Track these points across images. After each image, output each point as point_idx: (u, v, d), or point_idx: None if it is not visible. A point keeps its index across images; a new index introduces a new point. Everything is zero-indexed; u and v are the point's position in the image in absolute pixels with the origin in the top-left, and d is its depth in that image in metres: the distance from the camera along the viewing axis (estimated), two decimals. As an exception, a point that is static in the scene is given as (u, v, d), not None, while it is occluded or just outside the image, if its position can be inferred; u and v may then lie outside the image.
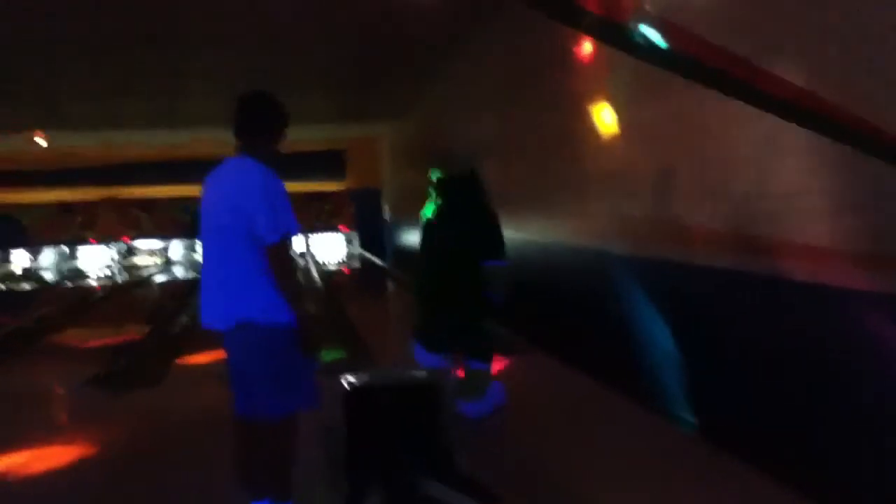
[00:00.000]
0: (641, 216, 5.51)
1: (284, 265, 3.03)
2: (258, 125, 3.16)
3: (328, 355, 6.83)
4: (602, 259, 6.07)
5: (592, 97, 6.25)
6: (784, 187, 3.88)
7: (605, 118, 6.07)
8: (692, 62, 4.58)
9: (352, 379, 2.66)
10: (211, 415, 4.21)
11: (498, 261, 4.78)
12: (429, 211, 4.97)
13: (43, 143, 14.45)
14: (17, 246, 22.32)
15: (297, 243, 22.34)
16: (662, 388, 5.12)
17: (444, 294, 4.77)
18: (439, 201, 4.92)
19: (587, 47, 6.33)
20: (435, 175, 4.98)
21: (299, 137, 16.78)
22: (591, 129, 6.26)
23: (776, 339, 3.97)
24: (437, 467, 2.32)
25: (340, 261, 20.80)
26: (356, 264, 19.52)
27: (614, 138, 5.94)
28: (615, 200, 5.99)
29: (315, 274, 15.62)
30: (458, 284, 4.74)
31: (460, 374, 4.77)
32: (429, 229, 4.95)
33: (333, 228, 22.76)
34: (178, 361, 7.14)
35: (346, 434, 2.47)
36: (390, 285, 14.35)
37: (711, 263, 4.54)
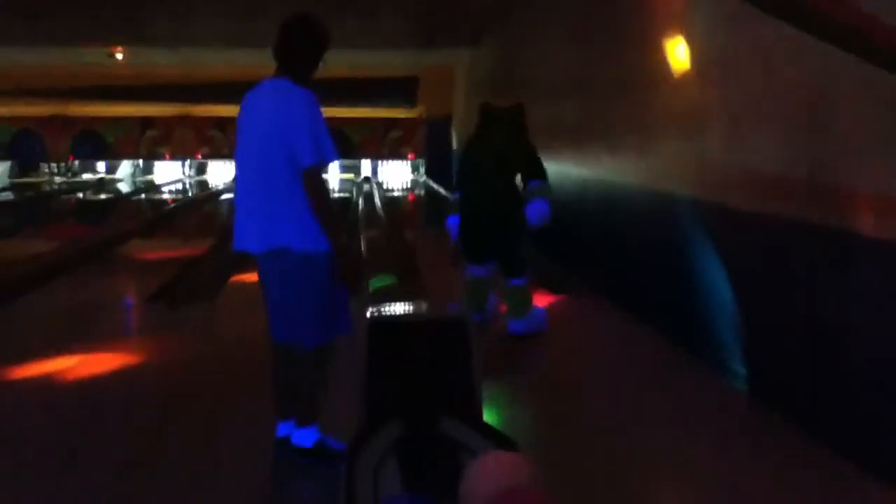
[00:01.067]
0: (710, 159, 5.27)
1: (320, 190, 2.99)
2: (301, 50, 3.10)
3: (378, 282, 6.86)
4: (666, 202, 5.87)
5: (668, 32, 5.95)
6: (869, 135, 3.61)
7: (679, 54, 5.77)
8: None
9: (375, 311, 2.62)
10: (263, 334, 4.27)
11: (540, 180, 5.17)
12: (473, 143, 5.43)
13: (119, 56, 14.69)
14: (99, 159, 23.07)
15: (364, 168, 22.55)
16: (717, 339, 4.97)
17: (482, 209, 5.16)
18: (483, 129, 5.38)
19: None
20: (483, 109, 5.50)
21: (373, 62, 16.74)
22: (664, 65, 5.97)
23: (846, 298, 3.75)
24: (455, 406, 2.28)
25: (405, 187, 20.83)
26: (421, 192, 19.51)
27: (688, 75, 5.66)
28: (685, 141, 5.74)
29: (377, 200, 15.66)
30: (494, 200, 5.11)
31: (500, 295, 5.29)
32: (469, 152, 5.40)
33: (401, 155, 22.72)
34: (238, 278, 7.26)
35: (365, 366, 2.45)
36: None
37: (781, 212, 4.30)
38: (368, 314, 2.60)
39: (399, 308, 2.76)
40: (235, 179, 3.19)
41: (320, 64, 3.15)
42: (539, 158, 5.30)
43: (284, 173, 2.97)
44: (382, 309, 2.67)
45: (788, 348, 4.23)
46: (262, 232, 3.04)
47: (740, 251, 4.82)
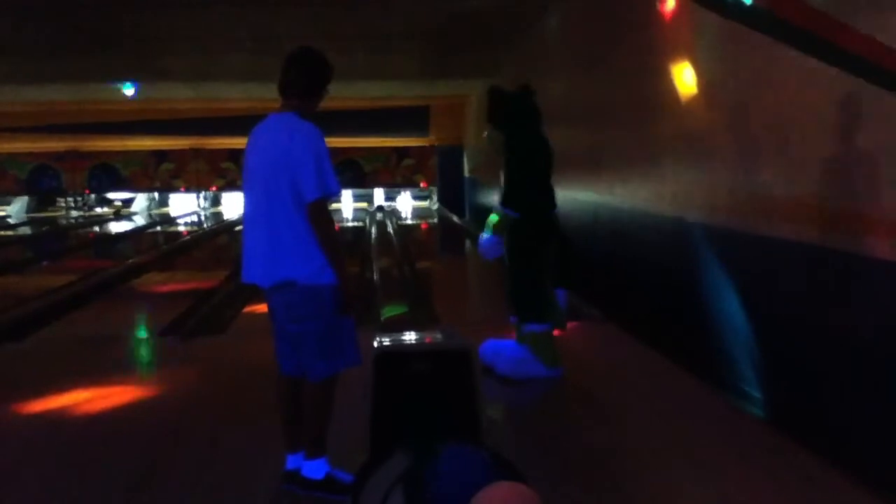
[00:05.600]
0: (718, 184, 5.27)
1: (324, 223, 3.01)
2: (307, 83, 3.12)
3: (390, 311, 6.86)
4: (676, 227, 5.86)
5: (673, 58, 5.98)
6: (874, 158, 3.60)
7: (685, 80, 5.79)
8: (778, 20, 4.30)
9: (382, 341, 2.62)
10: (273, 365, 4.28)
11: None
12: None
13: (129, 93, 14.90)
14: (114, 192, 23.31)
15: (377, 197, 22.64)
16: (732, 364, 4.93)
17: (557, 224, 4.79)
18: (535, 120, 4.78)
19: (670, 5, 6.04)
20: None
21: (386, 93, 16.87)
22: (671, 91, 6.00)
23: (856, 320, 3.72)
24: (461, 436, 2.26)
25: (419, 216, 20.88)
26: (434, 220, 19.56)
27: (693, 101, 5.68)
28: (692, 167, 5.74)
29: (391, 229, 15.71)
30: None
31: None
32: (540, 150, 4.78)
33: (414, 184, 22.81)
34: (250, 309, 7.28)
35: (371, 396, 2.44)
36: (467, 243, 14.31)
37: (790, 237, 4.28)
38: (375, 344, 2.60)
39: (407, 338, 2.76)
40: (243, 213, 3.22)
41: (324, 95, 3.17)
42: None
43: (290, 207, 2.99)
44: (390, 339, 2.67)
45: (803, 372, 4.18)
46: (268, 265, 3.05)
47: (751, 275, 4.79)
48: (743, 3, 4.72)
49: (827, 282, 3.96)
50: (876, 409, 3.54)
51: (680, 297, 5.76)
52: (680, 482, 3.36)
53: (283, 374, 3.22)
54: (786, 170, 4.37)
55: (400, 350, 2.57)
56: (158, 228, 18.86)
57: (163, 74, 14.21)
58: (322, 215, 3.00)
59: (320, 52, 3.17)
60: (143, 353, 6.27)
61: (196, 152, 22.31)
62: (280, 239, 3.01)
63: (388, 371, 2.47)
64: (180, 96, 16.93)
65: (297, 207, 2.98)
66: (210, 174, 22.68)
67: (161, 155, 22.50)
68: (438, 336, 2.86)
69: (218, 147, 21.72)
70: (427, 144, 21.58)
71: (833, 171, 3.92)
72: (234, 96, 16.63)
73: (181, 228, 18.94)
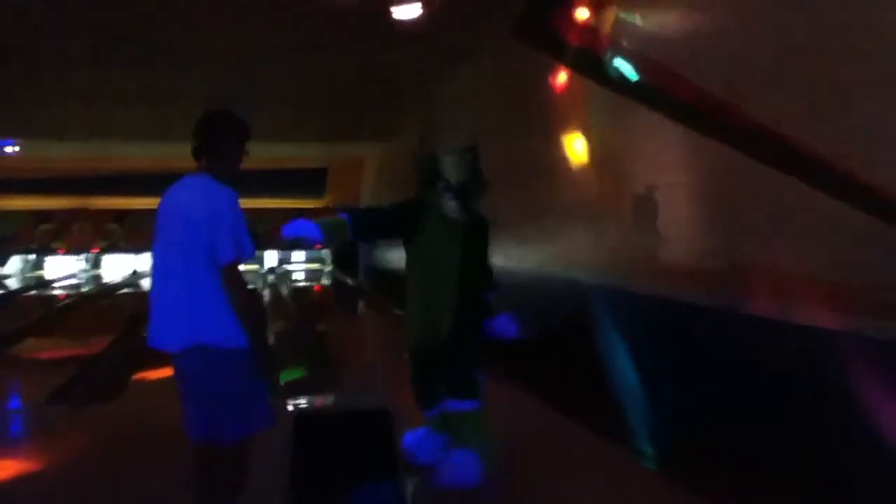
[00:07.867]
0: (610, 246, 5.54)
1: (238, 286, 3.00)
2: (220, 146, 3.13)
3: (288, 375, 6.76)
4: (572, 288, 6.09)
5: (569, 127, 6.30)
6: (762, 221, 3.89)
7: (577, 148, 6.11)
8: (663, 95, 4.64)
9: (298, 403, 2.63)
10: (168, 430, 4.14)
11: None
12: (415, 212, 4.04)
13: (14, 149, 14.29)
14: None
15: (269, 259, 22.29)
16: (627, 420, 5.11)
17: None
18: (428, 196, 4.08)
19: (565, 78, 6.39)
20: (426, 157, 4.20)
21: (283, 154, 16.79)
22: (565, 158, 6.30)
23: (739, 374, 3.97)
24: (381, 495, 2.29)
25: (312, 278, 20.70)
26: (327, 282, 19.43)
27: (587, 167, 5.99)
28: (585, 230, 6.02)
29: (285, 291, 15.51)
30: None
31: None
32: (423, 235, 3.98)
33: (308, 246, 22.59)
34: (141, 376, 7.02)
35: (290, 459, 2.44)
36: (361, 304, 14.29)
37: (675, 296, 4.55)
38: (291, 407, 2.60)
39: (318, 400, 2.78)
40: (152, 275, 3.16)
41: (241, 155, 3.19)
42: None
43: (204, 270, 2.97)
44: (304, 402, 2.68)
45: (693, 427, 4.40)
46: (181, 329, 3.00)
47: (641, 334, 5.04)
48: (628, 79, 5.07)
49: (703, 337, 4.22)
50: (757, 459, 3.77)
51: (573, 354, 5.95)
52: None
53: (194, 439, 3.13)
54: (661, 233, 4.67)
55: (320, 412, 2.58)
56: (33, 293, 17.89)
57: (49, 131, 13.70)
58: (235, 278, 2.99)
59: (231, 113, 3.18)
60: (33, 421, 5.92)
61: (80, 212, 21.37)
62: (194, 302, 2.97)
63: (306, 432, 2.47)
64: (67, 154, 16.30)
65: (210, 270, 2.97)
66: (93, 235, 21.74)
67: (41, 215, 21.40)
68: (350, 397, 2.89)
69: (103, 207, 20.89)
70: (323, 206, 21.52)
71: (702, 234, 4.23)
72: (127, 154, 16.17)
73: (58, 292, 18.01)
